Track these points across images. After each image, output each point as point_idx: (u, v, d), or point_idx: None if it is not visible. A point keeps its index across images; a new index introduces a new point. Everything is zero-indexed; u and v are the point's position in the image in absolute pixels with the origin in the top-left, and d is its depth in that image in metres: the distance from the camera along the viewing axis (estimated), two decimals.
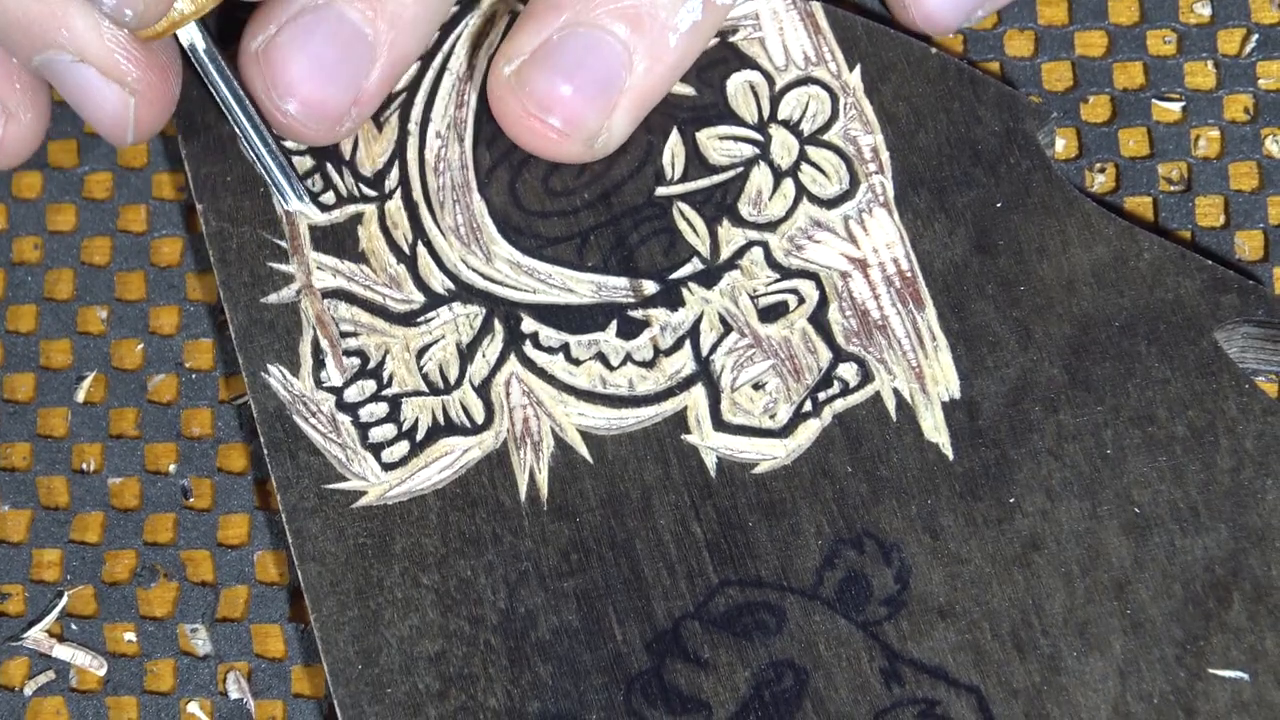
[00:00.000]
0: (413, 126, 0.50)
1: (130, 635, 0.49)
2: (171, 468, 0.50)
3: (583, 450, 0.47)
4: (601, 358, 0.48)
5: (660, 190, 0.49)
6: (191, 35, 0.47)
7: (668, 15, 0.47)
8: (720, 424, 0.47)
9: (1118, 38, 0.52)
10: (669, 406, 0.47)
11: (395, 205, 0.49)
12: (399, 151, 0.50)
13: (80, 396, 0.51)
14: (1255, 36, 0.52)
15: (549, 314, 0.48)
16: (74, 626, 0.49)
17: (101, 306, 0.52)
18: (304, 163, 0.50)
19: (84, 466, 0.51)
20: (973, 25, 0.51)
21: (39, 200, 0.53)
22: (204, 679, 0.48)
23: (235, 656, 0.49)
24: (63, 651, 0.49)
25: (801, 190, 0.49)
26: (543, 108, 0.47)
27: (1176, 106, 0.52)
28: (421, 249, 0.49)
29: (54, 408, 0.51)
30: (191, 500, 0.50)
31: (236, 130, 0.48)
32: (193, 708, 0.48)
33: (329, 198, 0.49)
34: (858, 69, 0.50)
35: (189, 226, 0.52)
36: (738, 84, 0.50)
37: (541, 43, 0.47)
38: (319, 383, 0.48)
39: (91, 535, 0.50)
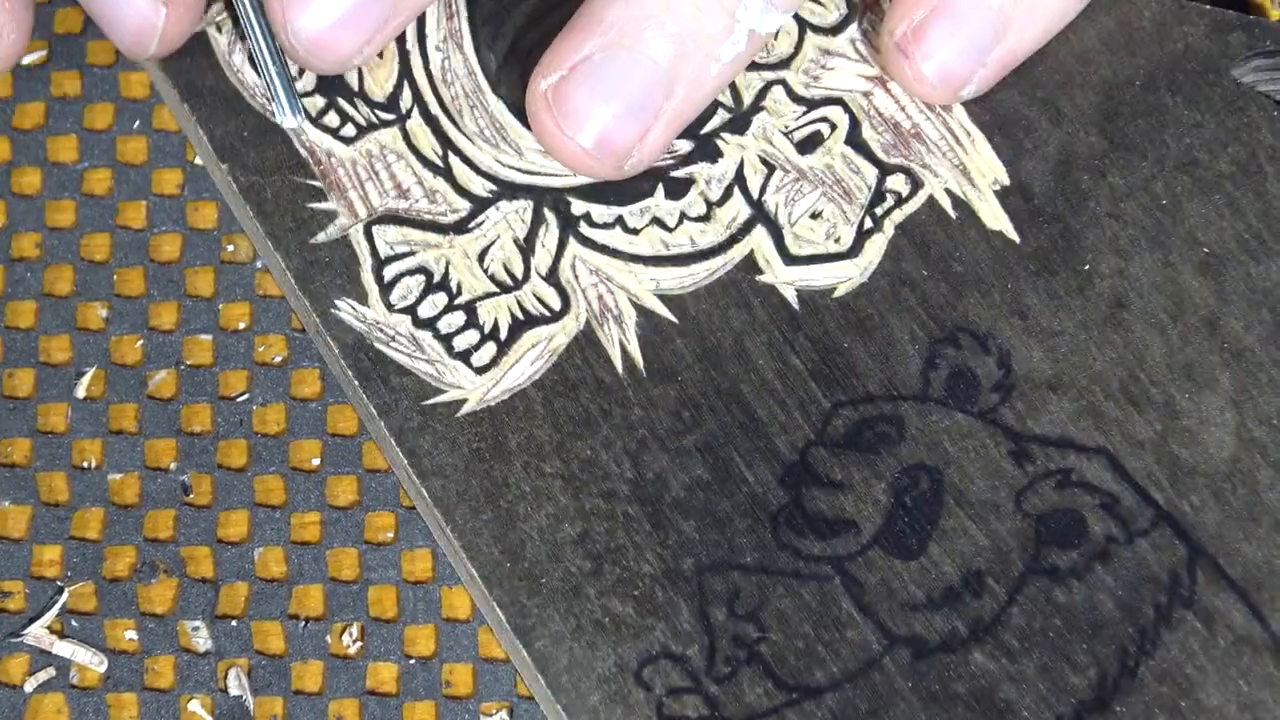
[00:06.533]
0: (411, 45, 0.49)
1: (131, 632, 0.48)
2: (171, 464, 0.50)
3: (664, 313, 0.47)
4: (657, 222, 0.48)
5: None
6: None
7: (713, 45, 0.46)
8: (789, 258, 0.47)
9: None
10: (735, 253, 0.47)
11: (416, 123, 0.49)
12: (404, 71, 0.49)
13: (80, 392, 0.50)
14: None
15: (594, 192, 0.48)
16: (74, 623, 0.48)
17: (101, 303, 0.51)
18: (315, 103, 0.49)
19: (84, 463, 0.50)
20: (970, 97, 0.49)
21: (38, 197, 0.52)
22: (204, 676, 0.48)
23: (235, 653, 0.48)
24: (63, 648, 0.48)
25: (803, 24, 0.49)
26: (576, 127, 0.46)
27: None
28: (454, 158, 0.48)
29: (54, 404, 0.50)
30: (191, 497, 0.49)
31: (250, 45, 0.48)
32: (193, 705, 0.48)
33: (349, 130, 0.49)
34: None
35: (188, 223, 0.52)
36: None
37: (582, 59, 0.46)
38: (390, 306, 0.47)
39: (92, 532, 0.49)
